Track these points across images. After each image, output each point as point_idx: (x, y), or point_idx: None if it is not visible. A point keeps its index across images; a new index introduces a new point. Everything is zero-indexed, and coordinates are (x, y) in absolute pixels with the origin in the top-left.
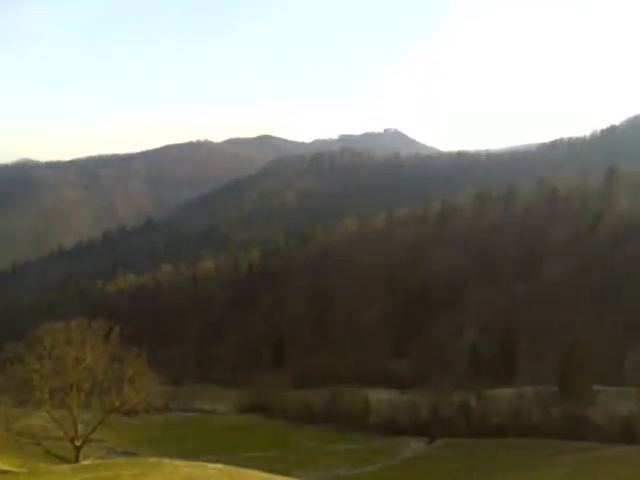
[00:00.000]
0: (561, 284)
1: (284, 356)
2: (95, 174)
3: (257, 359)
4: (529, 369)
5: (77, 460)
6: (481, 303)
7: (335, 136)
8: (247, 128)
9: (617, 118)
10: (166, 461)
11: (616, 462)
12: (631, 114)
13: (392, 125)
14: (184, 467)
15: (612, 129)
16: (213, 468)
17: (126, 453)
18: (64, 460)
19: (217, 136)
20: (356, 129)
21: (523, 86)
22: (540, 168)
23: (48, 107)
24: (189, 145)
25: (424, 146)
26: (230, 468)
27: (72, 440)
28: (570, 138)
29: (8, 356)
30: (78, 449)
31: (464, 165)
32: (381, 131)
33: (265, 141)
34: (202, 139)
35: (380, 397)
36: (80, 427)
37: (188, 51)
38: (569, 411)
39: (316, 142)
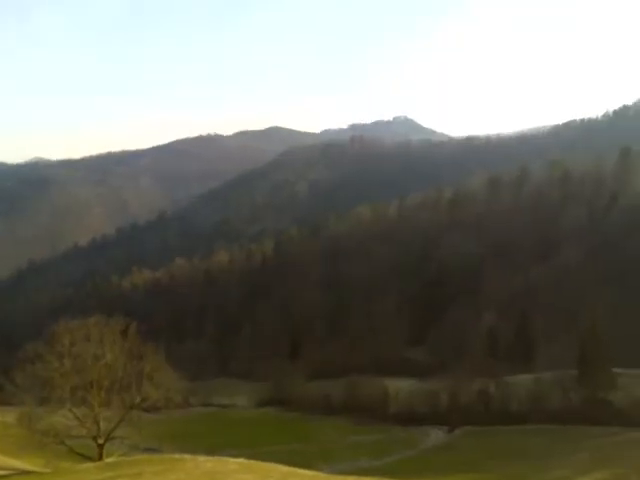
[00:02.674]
0: (577, 266)
1: (300, 347)
2: (106, 171)
3: (274, 351)
4: (547, 353)
5: (100, 458)
6: (497, 288)
7: (345, 125)
8: (256, 121)
9: (629, 98)
10: (188, 457)
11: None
12: None
13: (402, 112)
14: (206, 462)
15: (625, 109)
16: (234, 463)
17: (148, 449)
18: (87, 458)
19: (226, 129)
20: (366, 117)
21: (533, 68)
22: (552, 150)
23: (57, 106)
24: (198, 140)
25: (434, 132)
26: (251, 462)
27: (95, 438)
28: (582, 119)
29: (28, 355)
30: (101, 447)
31: (475, 150)
32: (391, 119)
33: (274, 133)
34: (212, 133)
35: (399, 386)
36: (102, 424)
37: (191, 47)
38: (589, 395)
39: (326, 132)
